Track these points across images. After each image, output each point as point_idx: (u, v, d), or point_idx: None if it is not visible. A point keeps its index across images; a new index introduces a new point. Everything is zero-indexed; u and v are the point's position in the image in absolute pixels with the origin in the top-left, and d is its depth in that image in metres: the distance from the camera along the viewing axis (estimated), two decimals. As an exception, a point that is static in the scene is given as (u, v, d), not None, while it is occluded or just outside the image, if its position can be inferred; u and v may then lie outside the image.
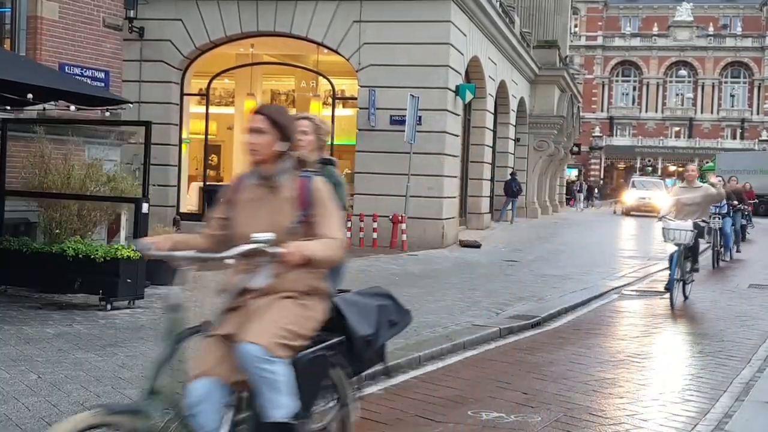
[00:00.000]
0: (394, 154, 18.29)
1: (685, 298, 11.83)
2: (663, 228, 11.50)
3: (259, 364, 3.50)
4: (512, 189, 28.29)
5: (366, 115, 18.63)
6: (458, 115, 20.34)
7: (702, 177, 25.89)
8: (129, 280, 9.31)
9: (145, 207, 9.61)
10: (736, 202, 19.08)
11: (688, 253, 11.55)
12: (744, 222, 21.91)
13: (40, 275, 9.70)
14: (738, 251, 19.95)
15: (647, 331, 9.81)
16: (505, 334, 9.14)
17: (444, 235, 18.76)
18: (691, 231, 11.26)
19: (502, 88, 26.52)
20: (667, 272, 13.00)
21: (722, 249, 17.69)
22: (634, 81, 79.11)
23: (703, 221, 11.74)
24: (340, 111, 21.22)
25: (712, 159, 50.52)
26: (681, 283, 11.60)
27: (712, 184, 17.61)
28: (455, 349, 8.19)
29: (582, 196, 49.16)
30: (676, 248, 11.37)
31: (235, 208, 3.86)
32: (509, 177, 28.36)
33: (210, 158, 22.94)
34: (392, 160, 18.33)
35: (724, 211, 17.68)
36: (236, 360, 3.55)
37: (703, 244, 18.42)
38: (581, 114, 47.09)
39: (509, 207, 28.83)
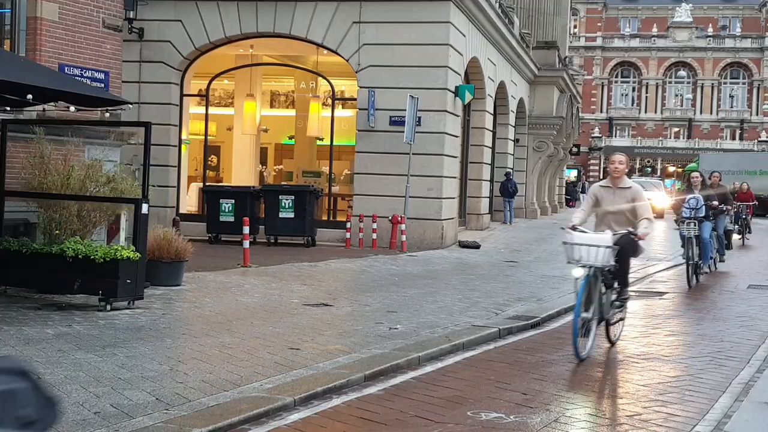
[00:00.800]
0: (393, 155, 18.31)
1: (611, 343, 8.62)
2: (564, 243, 8.15)
3: None
4: (508, 190, 28.28)
5: (365, 116, 18.64)
6: (457, 115, 20.35)
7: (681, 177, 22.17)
8: (128, 281, 9.32)
9: (144, 208, 9.61)
10: (716, 203, 15.24)
11: (611, 279, 8.32)
12: (731, 227, 18.38)
13: (39, 276, 9.72)
14: (722, 260, 16.70)
15: (646, 332, 9.82)
16: (505, 335, 9.15)
17: (443, 236, 18.77)
18: (608, 248, 7.89)
19: (501, 88, 26.53)
20: (667, 273, 12.95)
21: (701, 261, 14.41)
22: (634, 82, 79.16)
23: (631, 233, 8.18)
24: (340, 112, 21.24)
25: (696, 160, 50.41)
26: (602, 324, 8.41)
27: (691, 182, 14.85)
28: (454, 350, 8.20)
29: (584, 196, 48.95)
30: (582, 272, 7.95)
31: None
32: (504, 178, 28.35)
33: (210, 159, 22.96)
34: (392, 160, 18.35)
35: (701, 214, 14.22)
36: None
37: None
38: (580, 115, 47.11)
39: (508, 208, 28.84)
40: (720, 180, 16.98)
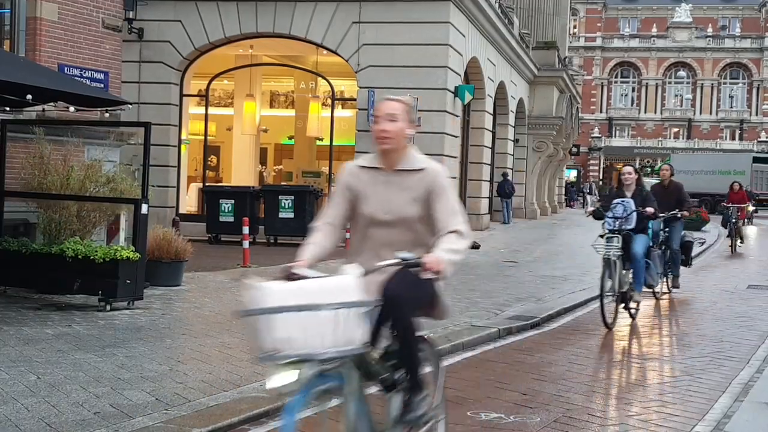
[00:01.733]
0: (393, 155, 18.29)
1: None
2: (242, 314, 3.62)
3: None
4: (505, 190, 28.28)
5: (365, 116, 18.65)
6: (457, 116, 20.35)
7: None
8: (128, 281, 9.31)
9: (144, 208, 9.61)
10: (651, 210, 10.09)
11: (391, 370, 3.91)
12: (690, 239, 13.35)
13: (39, 276, 9.72)
14: (676, 285, 12.61)
15: (646, 332, 9.82)
16: (504, 335, 9.14)
17: (443, 236, 18.74)
18: (354, 306, 3.56)
19: (501, 89, 26.54)
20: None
21: (632, 288, 10.13)
22: (633, 82, 79.18)
23: (408, 264, 3.67)
24: (340, 112, 21.26)
25: (666, 160, 49.99)
26: None
27: (621, 181, 10.38)
28: (454, 350, 8.20)
29: (591, 197, 48.50)
30: (292, 380, 3.50)
31: None
32: (501, 178, 28.34)
33: (209, 159, 22.97)
34: (391, 161, 18.33)
35: (630, 226, 9.88)
36: None
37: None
38: (580, 115, 47.11)
39: (506, 208, 28.85)
40: (672, 174, 12.68)
